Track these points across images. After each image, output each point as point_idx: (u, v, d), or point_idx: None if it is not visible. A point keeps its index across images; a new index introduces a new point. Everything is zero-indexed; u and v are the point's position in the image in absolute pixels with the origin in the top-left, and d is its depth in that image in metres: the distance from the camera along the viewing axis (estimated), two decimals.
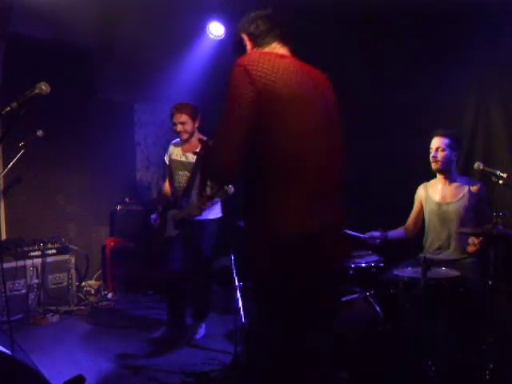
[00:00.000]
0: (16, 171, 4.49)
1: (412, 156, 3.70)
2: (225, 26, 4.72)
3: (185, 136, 3.69)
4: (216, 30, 4.74)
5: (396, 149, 3.82)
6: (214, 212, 3.72)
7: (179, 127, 3.66)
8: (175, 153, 3.81)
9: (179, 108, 3.67)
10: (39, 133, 4.22)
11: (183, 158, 3.76)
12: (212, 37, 4.80)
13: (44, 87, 1.92)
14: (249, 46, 1.85)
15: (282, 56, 1.72)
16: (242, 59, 1.66)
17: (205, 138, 3.27)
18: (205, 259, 3.73)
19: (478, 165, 2.97)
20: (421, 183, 3.49)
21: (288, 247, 1.60)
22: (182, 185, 3.72)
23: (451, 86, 3.85)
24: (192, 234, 3.67)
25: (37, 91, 1.91)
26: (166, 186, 3.94)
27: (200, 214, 3.49)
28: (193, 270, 3.75)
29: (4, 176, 4.55)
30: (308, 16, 3.84)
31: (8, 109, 1.86)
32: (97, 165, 5.44)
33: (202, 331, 3.84)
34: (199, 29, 4.85)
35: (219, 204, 3.76)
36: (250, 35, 1.84)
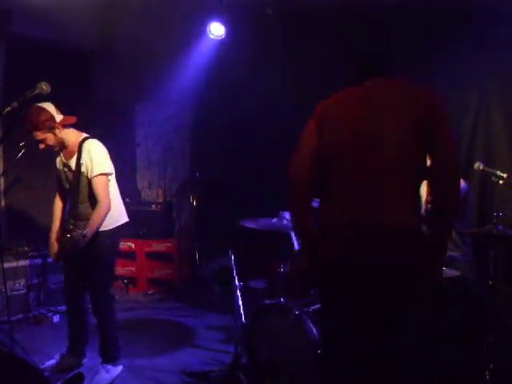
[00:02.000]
0: (16, 171, 4.49)
1: None
2: (225, 27, 4.72)
3: (56, 149, 3.05)
4: (216, 30, 4.73)
5: None
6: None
7: (41, 146, 2.94)
8: (57, 161, 3.15)
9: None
10: None
11: (65, 168, 3.10)
12: (212, 37, 4.80)
13: (44, 87, 1.93)
14: None
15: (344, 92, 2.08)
16: None
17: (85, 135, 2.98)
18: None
19: (478, 165, 2.97)
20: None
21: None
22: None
23: (451, 86, 3.85)
24: None
25: (37, 91, 1.92)
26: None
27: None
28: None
29: (4, 176, 4.55)
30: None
31: (9, 108, 1.87)
32: None
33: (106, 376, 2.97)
34: (200, 29, 4.85)
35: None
36: None
